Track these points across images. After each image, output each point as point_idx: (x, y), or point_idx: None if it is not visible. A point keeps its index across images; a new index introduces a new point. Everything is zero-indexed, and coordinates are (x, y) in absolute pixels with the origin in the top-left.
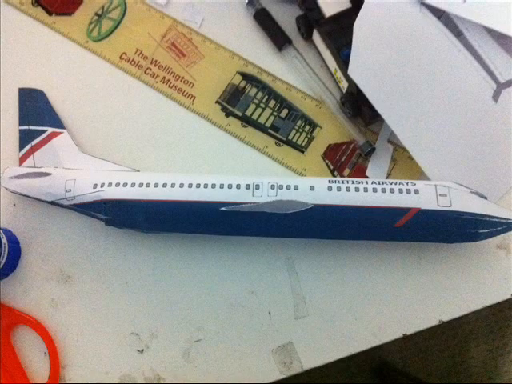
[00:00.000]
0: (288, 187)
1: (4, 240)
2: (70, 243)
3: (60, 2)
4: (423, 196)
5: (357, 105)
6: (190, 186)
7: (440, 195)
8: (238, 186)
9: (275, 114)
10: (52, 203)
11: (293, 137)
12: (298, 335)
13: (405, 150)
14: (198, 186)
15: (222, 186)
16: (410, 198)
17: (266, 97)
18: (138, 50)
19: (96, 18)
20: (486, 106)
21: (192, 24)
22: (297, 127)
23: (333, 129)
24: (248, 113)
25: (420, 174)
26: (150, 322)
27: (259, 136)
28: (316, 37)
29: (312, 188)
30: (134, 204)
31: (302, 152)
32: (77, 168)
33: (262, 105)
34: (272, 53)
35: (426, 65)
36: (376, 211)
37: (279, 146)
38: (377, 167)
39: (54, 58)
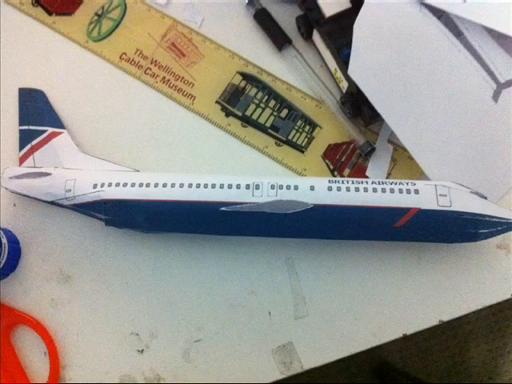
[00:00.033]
0: (288, 187)
1: (4, 240)
2: (69, 243)
3: (60, 1)
4: (423, 196)
5: (357, 105)
6: (190, 186)
7: (440, 195)
8: (238, 186)
9: (275, 113)
10: (52, 203)
11: (293, 137)
12: (298, 335)
13: (405, 149)
14: (198, 186)
15: (222, 186)
16: (410, 198)
17: (266, 97)
18: (137, 49)
19: (96, 17)
20: (486, 106)
21: (192, 24)
22: (297, 127)
23: (333, 129)
24: (248, 113)
25: (420, 174)
26: (150, 322)
27: (259, 136)
28: (316, 37)
29: (312, 188)
30: (134, 204)
31: (302, 152)
32: (77, 168)
33: (262, 105)
34: (272, 53)
35: (426, 65)
36: (376, 211)
37: (279, 145)
38: (377, 167)
39: (53, 58)
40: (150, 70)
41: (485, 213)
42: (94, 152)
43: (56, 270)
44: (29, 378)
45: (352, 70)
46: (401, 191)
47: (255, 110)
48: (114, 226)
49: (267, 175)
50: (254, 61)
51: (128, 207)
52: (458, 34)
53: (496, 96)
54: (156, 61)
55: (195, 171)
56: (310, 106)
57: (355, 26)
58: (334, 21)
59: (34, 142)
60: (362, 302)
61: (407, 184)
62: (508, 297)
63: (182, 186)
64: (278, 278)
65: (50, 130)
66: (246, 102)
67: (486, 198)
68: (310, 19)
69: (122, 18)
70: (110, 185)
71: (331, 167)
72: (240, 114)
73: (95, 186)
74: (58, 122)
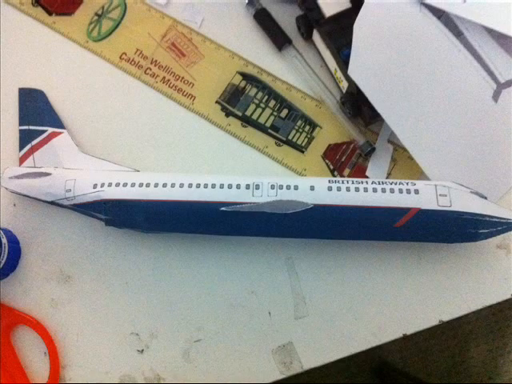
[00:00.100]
0: (288, 187)
1: (4, 240)
2: (69, 243)
3: (60, 1)
4: (423, 196)
5: (357, 105)
6: (190, 186)
7: (440, 195)
8: (238, 186)
9: (275, 113)
10: (52, 203)
11: (293, 137)
12: (298, 335)
13: (405, 149)
14: (198, 186)
15: (222, 186)
16: (410, 198)
17: (266, 97)
18: (137, 49)
19: (96, 17)
20: (486, 106)
21: (192, 24)
22: (297, 127)
23: (333, 129)
24: (248, 113)
25: (420, 174)
26: (150, 322)
27: (259, 136)
28: (316, 37)
29: (312, 188)
30: (134, 204)
31: (302, 152)
32: (77, 168)
33: (262, 105)
34: (272, 53)
35: (426, 65)
36: (376, 211)
37: (279, 146)
38: (377, 167)
39: (54, 58)
40: (150, 70)
41: (485, 213)
42: (94, 152)
43: (56, 270)
44: (29, 378)
45: (352, 70)
46: (401, 191)
47: (255, 110)
48: (114, 225)
49: (267, 175)
50: (254, 61)
51: (128, 207)
52: (458, 34)
53: (496, 96)
54: (156, 61)
55: (195, 171)
56: (310, 106)
57: (355, 26)
58: (334, 21)
59: (34, 142)
60: (362, 302)
61: (407, 184)
62: (508, 297)
63: (182, 186)
64: (277, 278)
65: (50, 129)
66: (246, 102)
67: (486, 197)
68: (310, 19)
69: (122, 18)
70: (110, 185)
71: (331, 167)
72: (240, 114)
73: (95, 186)
74: (58, 122)
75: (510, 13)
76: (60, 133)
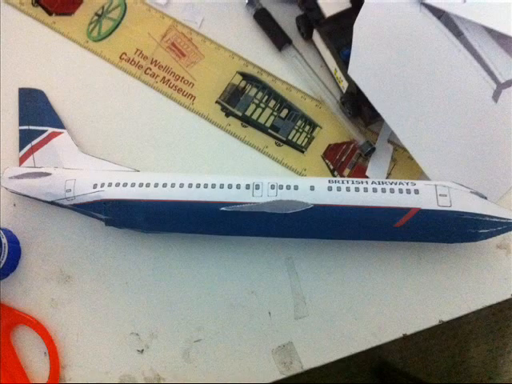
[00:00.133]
0: (288, 187)
1: (4, 240)
2: (69, 243)
3: (60, 1)
4: (423, 196)
5: (357, 105)
6: (190, 186)
7: (440, 195)
8: (238, 186)
9: (275, 113)
10: (52, 203)
11: (293, 137)
12: (298, 335)
13: (405, 149)
14: (198, 186)
15: (222, 186)
16: (410, 198)
17: (266, 97)
18: (138, 49)
19: (96, 18)
20: (486, 106)
21: (192, 24)
22: (297, 127)
23: (333, 129)
24: (248, 113)
25: (420, 174)
26: (150, 322)
27: (259, 136)
28: (316, 37)
29: (312, 188)
30: (134, 204)
31: (302, 152)
32: (77, 168)
33: (262, 105)
34: (272, 53)
35: (426, 65)
36: (376, 211)
37: (279, 145)
38: (377, 167)
39: (54, 58)
40: (150, 70)
41: (485, 213)
42: (94, 152)
43: (56, 270)
44: (29, 378)
45: (352, 70)
46: (401, 191)
47: (255, 110)
48: (114, 225)
49: (267, 175)
50: (254, 61)
51: (128, 207)
52: (458, 34)
53: (496, 96)
54: (156, 61)
55: (195, 171)
56: (310, 106)
57: (355, 26)
58: (334, 21)
59: (34, 142)
60: (362, 302)
61: (407, 184)
62: (508, 297)
63: (182, 186)
64: (278, 278)
65: (50, 130)
66: (246, 102)
67: (486, 197)
68: (310, 19)
69: (122, 18)
70: (110, 185)
71: (331, 167)
72: (240, 113)
73: (95, 186)
74: (58, 122)
75: (510, 13)
76: (60, 133)
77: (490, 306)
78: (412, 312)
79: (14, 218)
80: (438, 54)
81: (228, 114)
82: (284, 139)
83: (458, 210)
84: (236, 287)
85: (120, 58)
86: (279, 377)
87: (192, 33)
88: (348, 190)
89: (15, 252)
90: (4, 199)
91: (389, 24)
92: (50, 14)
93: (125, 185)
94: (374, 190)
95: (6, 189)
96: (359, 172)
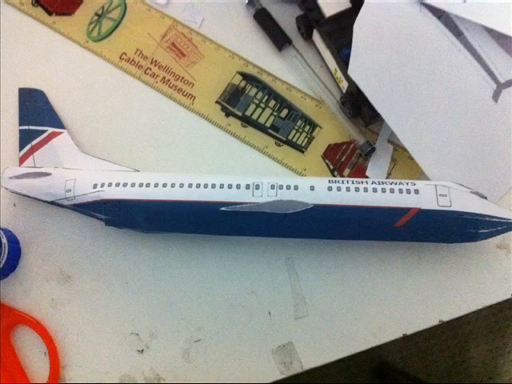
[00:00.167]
0: (288, 187)
1: (4, 240)
2: (69, 243)
3: (60, 1)
4: (423, 196)
5: (357, 105)
6: (190, 186)
7: (440, 195)
8: (238, 186)
9: (275, 113)
10: (52, 203)
11: (293, 137)
12: (298, 335)
13: (405, 149)
14: (198, 186)
15: (222, 186)
16: (410, 198)
17: (266, 97)
18: (137, 49)
19: (96, 18)
20: (486, 106)
21: (192, 24)
22: (297, 127)
23: (333, 129)
24: (248, 113)
25: (420, 174)
26: (150, 322)
27: (259, 136)
28: (316, 37)
29: (312, 188)
30: (134, 204)
31: (302, 152)
32: (77, 168)
33: (262, 105)
34: (272, 53)
35: (426, 65)
36: (376, 211)
37: (279, 145)
38: (377, 167)
39: (54, 58)
40: (150, 69)
41: (485, 213)
42: (94, 152)
43: (56, 270)
44: (29, 378)
45: (352, 70)
46: (401, 191)
47: (255, 110)
48: (114, 225)
49: (267, 175)
50: (254, 61)
51: (128, 207)
52: (458, 34)
53: (496, 96)
54: (156, 61)
55: (195, 171)
56: (310, 106)
57: (355, 26)
58: (334, 21)
59: (34, 142)
60: (362, 302)
61: (407, 184)
62: (508, 297)
63: (182, 186)
64: (278, 278)
65: (50, 130)
66: (246, 102)
67: (486, 197)
68: (310, 19)
69: (122, 18)
70: (110, 185)
71: (331, 167)
72: (240, 114)
73: (95, 186)
74: (58, 122)
75: (510, 13)
76: (60, 133)
77: (490, 306)
78: (412, 312)
79: (14, 218)
80: (438, 54)
81: (228, 114)
82: (284, 139)
83: (458, 210)
84: (236, 287)
85: (120, 58)
86: (279, 377)
87: (192, 33)
88: (348, 190)
89: (15, 252)
90: (4, 199)
91: (389, 24)
92: (50, 13)
93: (125, 185)
94: (374, 190)
95: (6, 189)
96: (359, 172)
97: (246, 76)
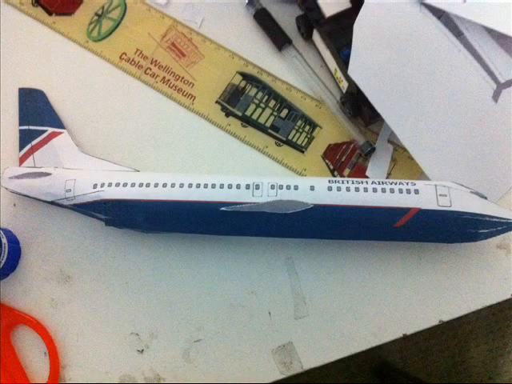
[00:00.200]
0: (288, 187)
1: (4, 240)
2: (69, 243)
3: (60, 1)
4: (423, 196)
5: (357, 105)
6: (190, 186)
7: (440, 195)
8: (238, 186)
9: (275, 113)
10: (52, 203)
11: (293, 137)
12: (298, 335)
13: (405, 149)
14: (198, 186)
15: (222, 186)
16: (410, 198)
17: (266, 97)
18: (138, 49)
19: (96, 17)
20: (486, 106)
21: (192, 24)
22: (297, 127)
23: (333, 129)
24: (248, 113)
25: (420, 174)
26: (150, 322)
27: (259, 136)
28: (316, 37)
29: (312, 188)
30: (134, 204)
31: (302, 152)
32: (77, 168)
33: (262, 105)
34: (272, 53)
35: (426, 65)
36: (376, 211)
37: (279, 145)
38: (377, 167)
39: (54, 58)
40: (150, 69)
41: (485, 213)
42: (94, 152)
43: (56, 270)
44: (29, 378)
45: (352, 70)
46: (401, 191)
47: (255, 110)
48: (114, 225)
49: (267, 175)
50: (254, 61)
51: (128, 207)
52: (458, 34)
53: (496, 96)
54: (156, 61)
55: (195, 171)
56: (310, 106)
57: (355, 26)
58: (334, 21)
59: (34, 142)
60: (362, 302)
61: (407, 184)
62: (508, 297)
63: (182, 186)
64: (278, 278)
65: (50, 130)
66: (246, 102)
67: (486, 197)
68: (310, 19)
69: (122, 18)
70: (110, 185)
71: (331, 167)
72: (240, 114)
73: (95, 186)
74: (58, 122)
75: (510, 13)
76: (60, 133)
77: (490, 306)
78: (412, 312)
79: (14, 218)
80: (438, 54)
81: (228, 114)
82: (284, 139)
83: (458, 210)
84: (236, 287)
85: (120, 58)
86: (279, 377)
87: (192, 33)
88: (348, 190)
89: (15, 252)
90: (4, 199)
91: (389, 24)
92: (50, 13)
93: (125, 185)
94: (374, 190)
95: (6, 189)
96: (359, 172)
97: (245, 76)
